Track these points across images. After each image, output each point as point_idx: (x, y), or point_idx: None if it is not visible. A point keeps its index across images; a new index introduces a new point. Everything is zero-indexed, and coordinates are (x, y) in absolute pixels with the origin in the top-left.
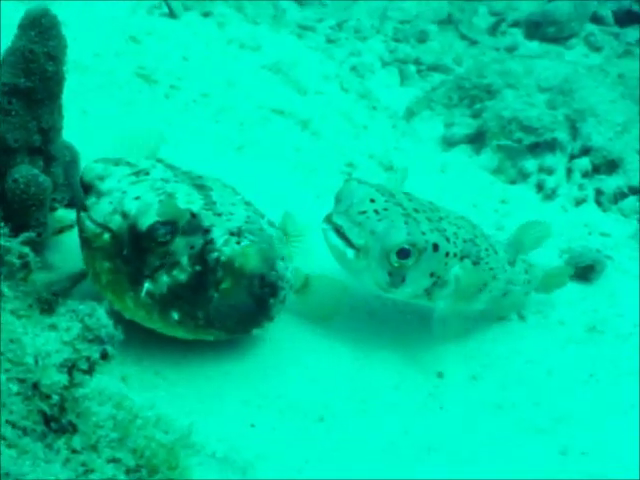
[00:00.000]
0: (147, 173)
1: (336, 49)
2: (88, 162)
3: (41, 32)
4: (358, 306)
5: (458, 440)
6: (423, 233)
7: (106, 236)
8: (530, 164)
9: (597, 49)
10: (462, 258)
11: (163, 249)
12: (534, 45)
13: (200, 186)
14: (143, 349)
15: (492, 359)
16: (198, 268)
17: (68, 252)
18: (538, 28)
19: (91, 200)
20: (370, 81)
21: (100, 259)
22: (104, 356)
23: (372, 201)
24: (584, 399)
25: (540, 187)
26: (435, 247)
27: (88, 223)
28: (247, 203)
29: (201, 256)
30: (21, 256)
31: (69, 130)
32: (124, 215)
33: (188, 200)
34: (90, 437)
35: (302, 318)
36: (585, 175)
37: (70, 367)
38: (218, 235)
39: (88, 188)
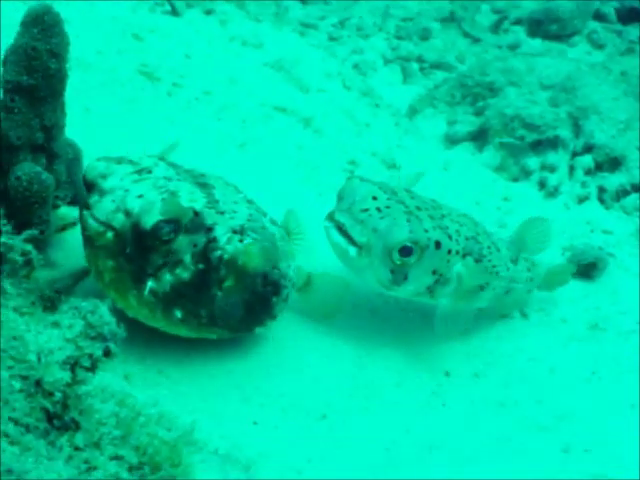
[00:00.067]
0: (149, 171)
1: (338, 47)
2: (91, 160)
3: (44, 29)
4: (360, 304)
5: (460, 438)
6: (425, 231)
7: (109, 234)
8: (532, 162)
9: (600, 47)
10: (464, 256)
11: (166, 247)
12: (537, 43)
13: (202, 184)
14: (146, 347)
15: (495, 357)
16: (201, 266)
17: (71, 250)
18: (541, 26)
19: (94, 198)
20: (372, 79)
21: (103, 257)
22: (107, 353)
23: (374, 199)
24: (586, 397)
25: (542, 185)
26: (437, 245)
27: (91, 221)
28: (249, 201)
29: (204, 254)
30: (24, 253)
31: (72, 127)
32: (127, 213)
33: (191, 198)
34: (93, 434)
35: (304, 316)
36: (588, 173)
37: (73, 364)
38: (221, 233)
39: (91, 186)
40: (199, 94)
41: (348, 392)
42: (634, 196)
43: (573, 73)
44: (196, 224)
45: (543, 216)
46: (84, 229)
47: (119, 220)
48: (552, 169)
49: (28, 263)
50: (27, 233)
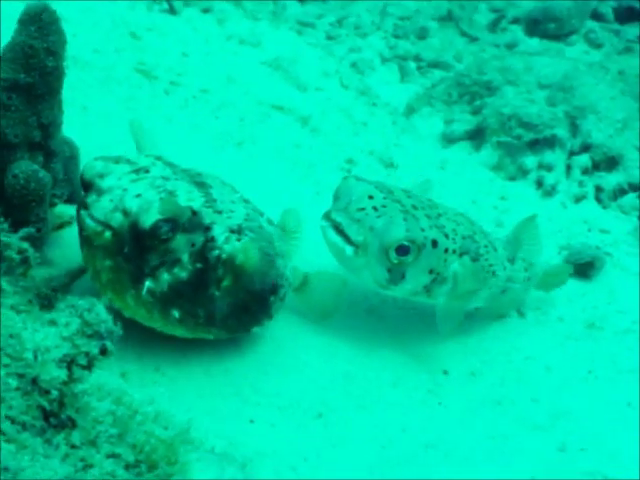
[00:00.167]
0: (147, 171)
1: (336, 45)
2: (88, 160)
3: (41, 27)
4: (357, 303)
5: (457, 437)
6: (422, 230)
7: (107, 234)
8: (530, 161)
9: (597, 46)
10: (461, 255)
11: (164, 247)
12: (534, 42)
13: (200, 184)
14: (143, 345)
15: (491, 356)
16: (199, 266)
17: (67, 248)
18: (538, 25)
19: (91, 198)
20: (370, 78)
21: (101, 257)
22: (103, 351)
23: (371, 198)
24: (583, 395)
25: (540, 184)
26: (434, 243)
27: (89, 221)
28: (246, 201)
29: (202, 254)
30: (20, 251)
31: (69, 126)
32: (125, 213)
33: (188, 198)
34: (89, 432)
35: (301, 316)
36: (585, 172)
37: (69, 362)
38: (219, 233)
39: (88, 186)
40: (196, 92)
41: (344, 391)
42: (631, 195)
43: (571, 72)
44: (194, 223)
45: (537, 214)
46: (82, 229)
47: (117, 219)
48: (549, 168)
49: (25, 261)
50: (24, 231)
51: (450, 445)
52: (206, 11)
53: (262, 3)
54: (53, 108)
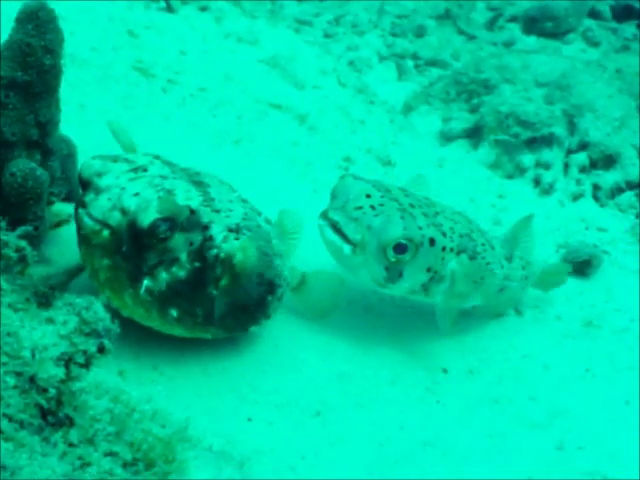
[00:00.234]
0: (145, 169)
1: (333, 44)
2: (86, 158)
3: (38, 25)
4: (355, 301)
5: (454, 435)
6: (420, 228)
7: (105, 233)
8: (527, 159)
9: (595, 44)
10: (459, 253)
11: (163, 246)
12: (532, 40)
13: (198, 183)
14: (141, 344)
15: (489, 354)
16: (197, 264)
17: (65, 246)
18: (536, 23)
19: (89, 196)
20: (367, 76)
21: (99, 256)
22: (101, 350)
23: (368, 196)
24: (580, 394)
25: (537, 182)
26: (432, 242)
27: (87, 220)
28: (244, 200)
29: (200, 252)
30: (18, 250)
31: (66, 124)
32: (123, 211)
33: (187, 197)
34: (87, 431)
35: (299, 316)
36: (582, 170)
37: (67, 361)
38: (217, 232)
39: (86, 184)
40: (194, 90)
41: (342, 389)
42: (629, 194)
43: (568, 71)
44: (192, 222)
45: (534, 213)
46: (80, 228)
47: (115, 218)
48: (547, 166)
49: (22, 259)
50: (21, 229)
51: (448, 443)
52: (204, 9)
53: (260, 1)
54: (51, 106)
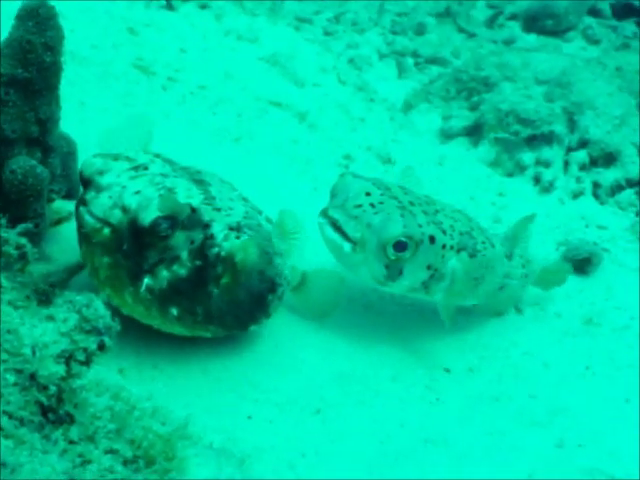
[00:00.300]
0: (146, 168)
1: (333, 41)
2: (87, 156)
3: (38, 23)
4: (355, 299)
5: (455, 432)
6: (419, 226)
7: (106, 231)
8: (527, 157)
9: (595, 42)
10: (459, 251)
11: (163, 244)
12: (532, 38)
13: (199, 181)
14: (141, 341)
15: (489, 352)
16: (198, 263)
17: (65, 243)
18: (536, 21)
19: (90, 195)
20: (367, 73)
21: (99, 254)
22: (101, 347)
23: (368, 194)
24: (580, 392)
25: (537, 180)
26: (432, 239)
27: (88, 218)
28: (244, 199)
29: (201, 251)
30: (18, 247)
31: (67, 121)
32: (124, 210)
33: (188, 195)
34: (87, 428)
35: (299, 315)
36: (582, 168)
37: (67, 358)
38: (218, 230)
39: (87, 183)
40: (194, 88)
41: (342, 387)
42: (629, 191)
43: (568, 68)
44: (193, 220)
45: (537, 212)
46: (81, 226)
47: (116, 216)
48: (547, 164)
49: (23, 257)
50: (22, 227)
51: (448, 441)
52: (204, 7)
53: None
54: (51, 103)
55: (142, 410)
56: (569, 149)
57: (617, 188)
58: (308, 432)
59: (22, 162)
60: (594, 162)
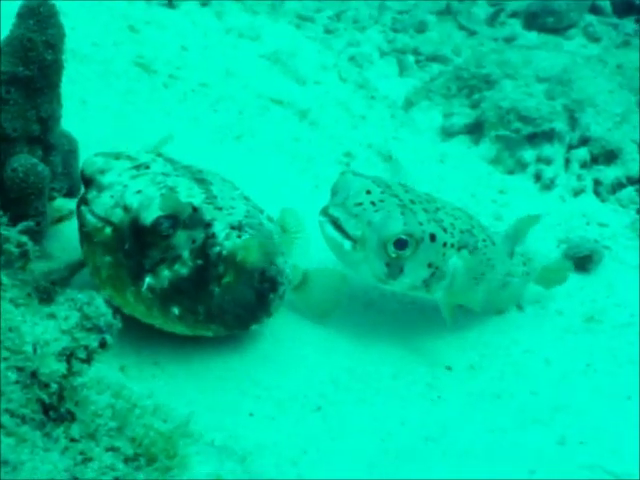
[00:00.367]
0: (147, 167)
1: (334, 39)
2: (88, 155)
3: (39, 21)
4: (356, 297)
5: (456, 430)
6: (420, 224)
7: (108, 230)
8: (528, 154)
9: (596, 40)
10: (459, 249)
11: (165, 243)
12: (533, 35)
13: (200, 180)
14: (142, 339)
15: (490, 349)
16: (200, 262)
17: (67, 241)
18: (537, 18)
19: (92, 194)
20: (368, 71)
21: (101, 253)
22: (103, 345)
23: (368, 193)
24: (582, 389)
25: (538, 177)
26: (432, 237)
27: (89, 217)
28: (246, 198)
29: (203, 250)
30: (20, 245)
31: (68, 119)
32: (126, 209)
33: (189, 194)
34: (89, 426)
35: (300, 314)
36: (583, 165)
37: (69, 356)
38: (220, 229)
39: (89, 182)
40: (195, 86)
41: (343, 384)
42: (630, 189)
43: (569, 66)
44: (195, 220)
45: (539, 212)
46: (82, 225)
47: (118, 215)
48: (548, 162)
49: (24, 255)
50: (23, 225)
51: (449, 438)
52: (205, 4)
53: None
54: (52, 102)
55: (143, 408)
56: (570, 147)
57: (618, 186)
58: (309, 429)
59: (23, 160)
60: (595, 160)
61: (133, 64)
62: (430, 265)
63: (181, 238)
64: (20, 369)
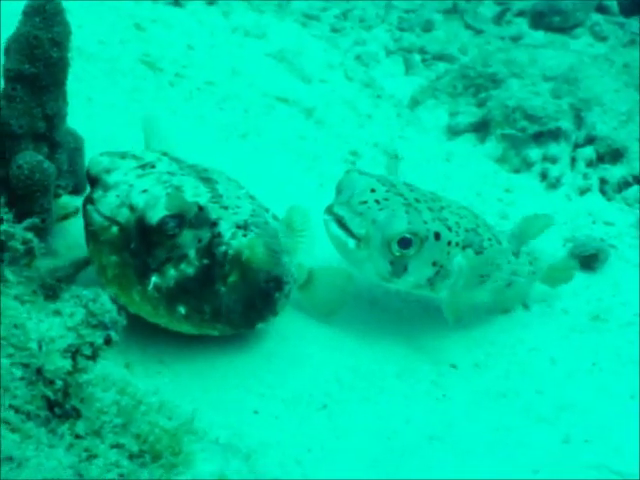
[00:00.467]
0: (153, 166)
1: (341, 38)
2: (94, 155)
3: (45, 18)
4: (361, 295)
5: (461, 428)
6: (424, 222)
7: (114, 229)
8: (534, 153)
9: (602, 39)
10: (464, 247)
11: (171, 242)
12: (539, 34)
13: (206, 179)
14: (147, 337)
15: (496, 348)
16: (206, 261)
17: (72, 238)
18: (543, 18)
19: (98, 193)
20: (375, 70)
21: (107, 253)
22: (108, 342)
23: (373, 191)
24: (587, 388)
25: (544, 176)
26: (437, 236)
27: (95, 216)
28: (251, 197)
29: (209, 249)
30: (25, 242)
31: (74, 117)
32: (132, 208)
33: (195, 193)
34: (94, 422)
35: (306, 313)
36: (589, 164)
37: (74, 352)
38: (225, 228)
39: (94, 181)
40: (201, 84)
41: (348, 383)
42: (635, 188)
43: (575, 65)
44: (201, 219)
45: (545, 211)
46: (88, 224)
47: (124, 215)
48: (554, 160)
49: (29, 252)
50: (28, 222)
51: (454, 437)
52: (211, 3)
53: None
54: (58, 99)
55: (148, 405)
56: (576, 145)
57: (624, 184)
58: (314, 428)
59: (29, 157)
60: (601, 158)
61: (139, 62)
62: (434, 264)
63: (187, 237)
64: (25, 366)
